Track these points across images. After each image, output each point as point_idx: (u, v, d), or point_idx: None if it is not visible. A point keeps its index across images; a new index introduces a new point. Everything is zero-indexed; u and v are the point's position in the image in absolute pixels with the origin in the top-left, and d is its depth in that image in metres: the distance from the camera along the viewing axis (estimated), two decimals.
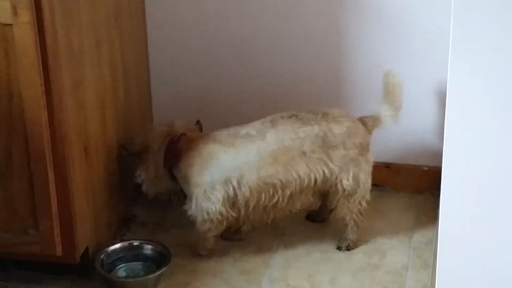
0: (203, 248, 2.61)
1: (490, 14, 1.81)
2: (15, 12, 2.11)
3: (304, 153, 2.50)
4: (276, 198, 2.52)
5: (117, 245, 2.57)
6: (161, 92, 2.95)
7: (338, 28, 2.78)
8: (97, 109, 2.49)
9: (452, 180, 1.96)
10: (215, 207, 2.51)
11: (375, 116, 2.60)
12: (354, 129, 2.54)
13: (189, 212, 2.56)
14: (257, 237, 2.70)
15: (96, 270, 2.48)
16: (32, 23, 2.13)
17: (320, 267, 2.58)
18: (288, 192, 2.52)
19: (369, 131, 2.58)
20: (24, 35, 2.14)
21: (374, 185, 2.73)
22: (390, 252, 2.64)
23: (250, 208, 2.52)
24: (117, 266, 2.56)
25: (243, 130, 2.53)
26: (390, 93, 2.57)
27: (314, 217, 2.78)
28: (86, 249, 2.49)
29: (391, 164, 2.90)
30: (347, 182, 2.53)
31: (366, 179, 2.56)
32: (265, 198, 2.51)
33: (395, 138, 2.84)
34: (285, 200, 2.53)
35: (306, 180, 2.51)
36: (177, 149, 2.56)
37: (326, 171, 2.51)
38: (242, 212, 2.53)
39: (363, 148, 2.54)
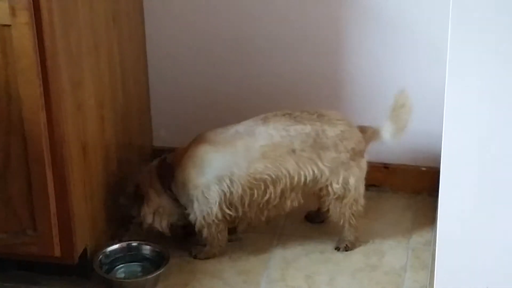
0: (212, 253, 2.62)
1: (488, 14, 1.81)
2: (13, 13, 2.11)
3: (293, 150, 2.50)
4: (268, 195, 2.52)
5: (116, 246, 2.57)
6: (160, 92, 2.95)
7: (338, 28, 2.78)
8: (96, 109, 2.49)
9: (450, 181, 1.96)
10: (213, 208, 2.51)
11: (375, 129, 2.59)
12: (348, 134, 2.53)
13: (191, 217, 2.56)
14: (256, 237, 2.70)
15: (94, 271, 2.48)
16: (30, 24, 2.13)
17: (319, 267, 2.59)
18: (279, 189, 2.51)
19: (365, 141, 2.58)
20: (22, 36, 2.14)
21: (372, 185, 2.74)
22: (389, 252, 2.64)
23: (246, 205, 2.52)
24: (116, 266, 2.56)
25: (233, 128, 2.55)
26: (397, 112, 2.55)
27: (313, 217, 2.78)
28: (85, 250, 2.49)
29: (389, 164, 2.89)
30: (336, 186, 2.53)
31: (357, 184, 2.55)
32: (257, 194, 2.51)
33: None
34: (277, 197, 2.53)
35: (296, 178, 2.51)
36: (168, 164, 2.57)
37: (316, 171, 2.51)
38: (240, 210, 2.53)
39: (356, 154, 2.54)
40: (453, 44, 1.84)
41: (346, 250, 2.65)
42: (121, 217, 2.64)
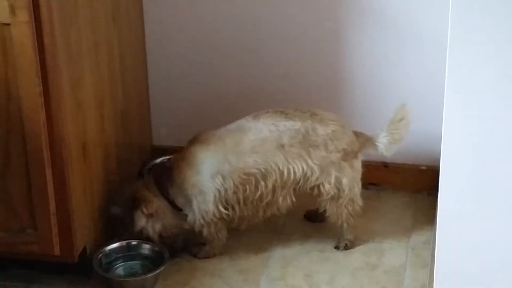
0: (212, 252, 2.62)
1: (488, 14, 1.81)
2: (13, 12, 2.11)
3: (282, 145, 2.51)
4: (260, 191, 2.52)
5: (115, 245, 2.57)
6: (159, 91, 2.95)
7: (338, 28, 2.77)
8: (95, 108, 2.49)
9: (450, 179, 1.96)
10: (210, 206, 2.51)
11: (370, 137, 2.59)
12: (339, 134, 2.53)
13: (190, 218, 2.56)
14: (256, 236, 2.70)
15: (94, 270, 2.48)
16: (30, 22, 2.13)
17: (319, 266, 2.59)
18: (270, 184, 2.52)
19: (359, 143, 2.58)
20: (22, 34, 2.14)
21: (372, 184, 2.74)
22: (389, 251, 2.64)
23: (241, 202, 2.53)
24: (115, 265, 2.56)
25: (225, 127, 2.57)
26: (396, 125, 2.56)
27: (313, 217, 2.78)
28: (84, 249, 2.48)
29: (389, 163, 2.89)
30: (328, 186, 2.53)
31: (351, 185, 2.55)
32: (249, 190, 2.52)
33: None
34: (269, 194, 2.53)
35: (286, 173, 2.51)
36: (165, 168, 2.58)
37: (305, 168, 2.51)
38: (236, 208, 2.54)
39: (347, 154, 2.54)
40: (453, 44, 1.84)
41: (346, 249, 2.65)
42: (111, 227, 2.62)
